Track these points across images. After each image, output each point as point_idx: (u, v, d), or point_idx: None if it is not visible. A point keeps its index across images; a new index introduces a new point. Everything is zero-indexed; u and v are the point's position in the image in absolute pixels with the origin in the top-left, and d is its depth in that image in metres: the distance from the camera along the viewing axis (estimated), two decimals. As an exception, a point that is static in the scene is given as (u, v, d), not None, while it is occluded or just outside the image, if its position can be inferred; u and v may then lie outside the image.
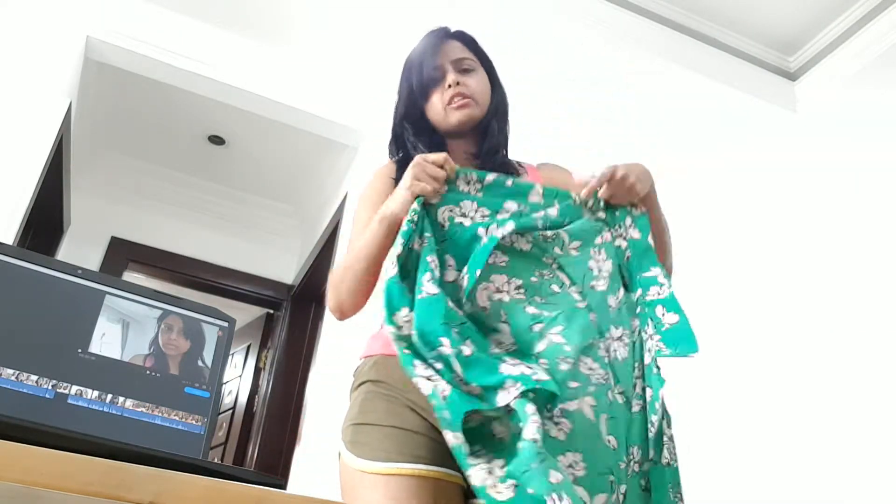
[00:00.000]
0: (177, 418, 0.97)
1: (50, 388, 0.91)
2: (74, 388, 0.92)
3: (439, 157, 1.12)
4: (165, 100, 3.46)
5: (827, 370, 2.88)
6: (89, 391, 0.93)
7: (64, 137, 2.80)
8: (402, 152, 1.36)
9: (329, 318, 2.74)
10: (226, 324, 1.08)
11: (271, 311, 4.41)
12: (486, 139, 1.35)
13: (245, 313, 4.49)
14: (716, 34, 3.62)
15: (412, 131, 1.35)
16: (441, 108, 1.32)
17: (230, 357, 4.48)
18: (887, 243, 2.89)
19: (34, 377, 0.90)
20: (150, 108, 3.63)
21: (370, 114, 2.91)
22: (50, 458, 0.57)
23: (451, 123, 1.32)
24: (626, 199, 1.16)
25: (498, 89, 1.41)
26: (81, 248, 3.84)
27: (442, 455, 0.99)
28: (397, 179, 1.24)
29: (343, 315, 1.25)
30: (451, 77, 1.32)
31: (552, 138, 2.49)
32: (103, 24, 2.77)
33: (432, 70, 1.33)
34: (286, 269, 4.35)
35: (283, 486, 0.87)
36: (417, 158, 1.12)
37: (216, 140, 3.92)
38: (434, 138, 1.35)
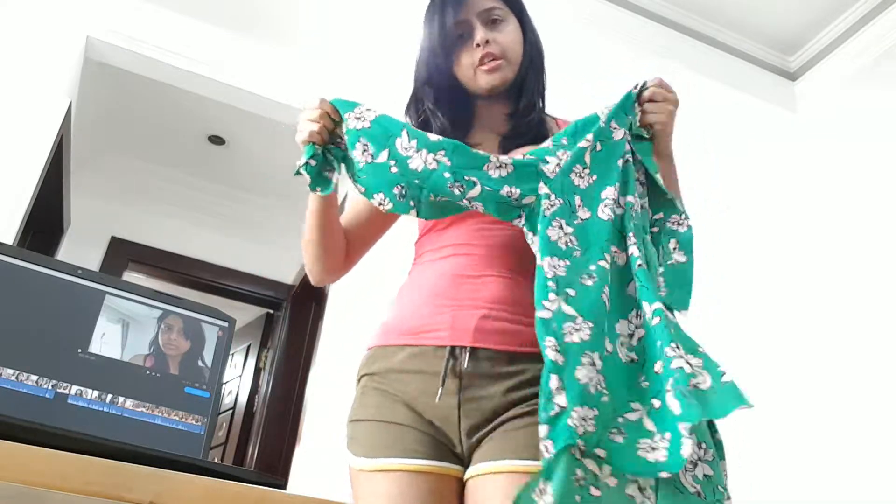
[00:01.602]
0: (177, 418, 0.97)
1: (50, 388, 0.91)
2: (74, 388, 0.92)
3: (312, 103, 1.06)
4: (165, 100, 3.46)
5: (827, 371, 2.88)
6: (89, 391, 0.93)
7: (64, 137, 2.80)
8: (421, 118, 1.23)
9: (329, 318, 2.74)
10: (226, 324, 1.08)
11: (271, 311, 4.42)
12: (521, 97, 1.20)
13: (245, 313, 4.49)
14: (716, 34, 3.62)
15: (433, 97, 1.21)
16: (470, 70, 1.17)
17: (230, 357, 4.48)
18: (887, 243, 2.89)
19: (34, 377, 0.90)
20: (150, 108, 3.63)
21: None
22: (50, 458, 0.57)
23: (482, 87, 1.18)
24: (655, 118, 1.05)
25: (530, 36, 1.25)
26: (81, 248, 3.84)
27: (435, 448, 0.96)
28: None
29: (317, 280, 1.21)
30: (479, 35, 1.16)
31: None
32: (103, 24, 2.77)
33: (456, 26, 1.18)
34: (286, 269, 4.35)
35: (283, 486, 0.87)
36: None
37: (216, 140, 3.92)
38: (460, 101, 1.21)
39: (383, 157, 1.01)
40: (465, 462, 0.97)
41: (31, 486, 0.54)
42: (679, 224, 1.06)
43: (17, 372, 0.89)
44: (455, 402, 0.96)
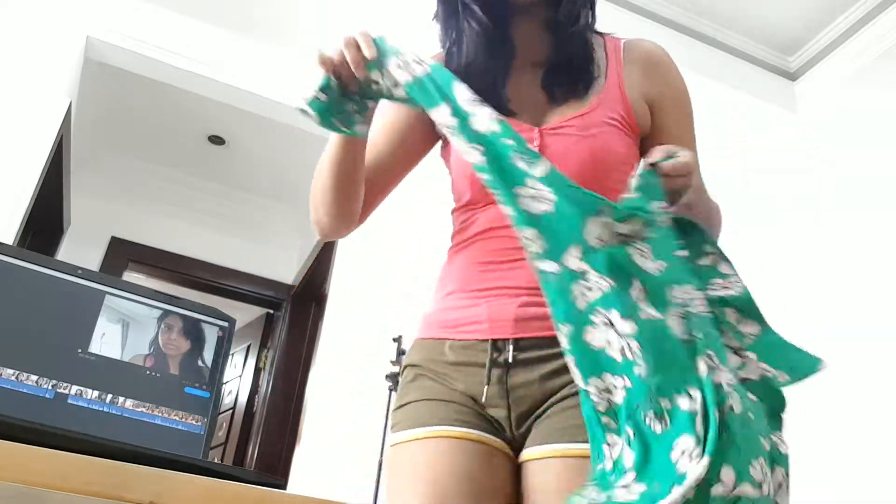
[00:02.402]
0: (177, 418, 0.97)
1: (50, 388, 0.91)
2: (74, 388, 0.92)
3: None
4: (165, 100, 3.46)
5: (828, 370, 2.88)
6: (89, 391, 0.93)
7: (64, 137, 2.80)
8: (453, 32, 1.03)
9: (329, 318, 2.74)
10: (226, 324, 1.08)
11: (271, 311, 4.42)
12: (560, 3, 1.00)
13: (245, 313, 4.49)
14: (716, 34, 3.62)
15: (465, 9, 1.01)
16: None
17: (230, 357, 4.48)
18: (887, 243, 2.89)
19: (34, 377, 0.90)
20: (150, 108, 3.63)
21: (370, 114, 2.91)
22: (50, 458, 0.57)
23: None
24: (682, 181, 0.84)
25: None
26: (81, 248, 3.84)
27: (483, 421, 0.90)
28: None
29: (325, 232, 1.07)
30: None
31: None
32: (103, 24, 2.77)
33: None
34: (286, 269, 4.35)
35: (283, 486, 0.87)
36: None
37: (216, 140, 3.92)
38: (496, 10, 1.00)
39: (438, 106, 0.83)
40: (515, 446, 0.91)
41: (31, 486, 0.54)
42: (729, 289, 0.85)
43: (17, 372, 0.89)
44: (504, 392, 0.90)
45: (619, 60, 1.04)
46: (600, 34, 1.09)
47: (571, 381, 0.84)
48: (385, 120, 1.07)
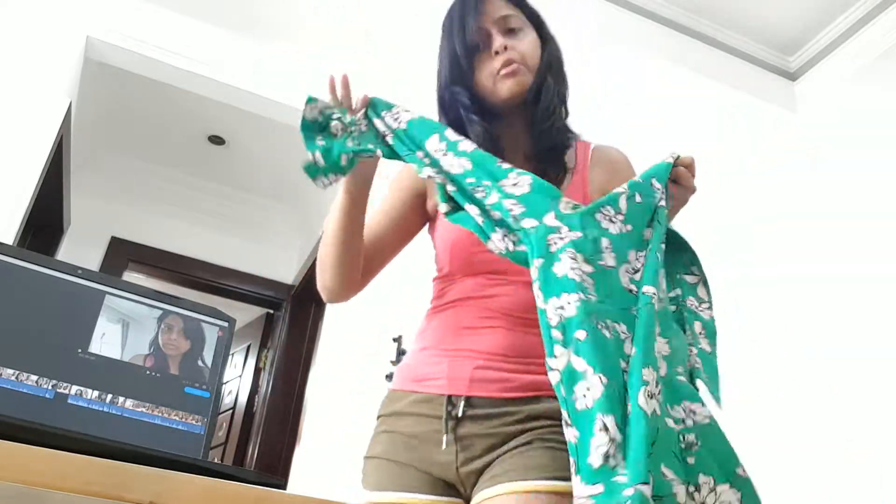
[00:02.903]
0: (177, 418, 0.97)
1: (50, 388, 0.91)
2: (74, 388, 0.92)
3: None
4: (165, 100, 3.46)
5: (828, 370, 2.88)
6: (89, 391, 0.93)
7: (64, 137, 2.80)
8: (453, 123, 1.19)
9: (329, 318, 2.74)
10: (226, 324, 1.08)
11: (271, 311, 4.42)
12: (538, 102, 1.16)
13: (245, 313, 4.50)
14: (716, 34, 3.62)
15: (457, 116, 1.17)
16: (490, 80, 1.15)
17: (230, 357, 4.48)
18: (888, 242, 2.89)
19: (34, 377, 0.90)
20: (150, 108, 3.63)
21: (370, 114, 2.90)
22: (50, 458, 0.57)
23: (502, 95, 1.15)
24: (679, 194, 1.09)
25: (549, 44, 1.22)
26: (81, 248, 3.84)
27: (434, 485, 1.03)
28: None
29: (329, 297, 1.21)
30: (497, 42, 1.15)
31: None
32: (103, 24, 2.77)
33: (475, 33, 1.15)
34: (286, 269, 4.35)
35: (283, 486, 0.87)
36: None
37: (216, 140, 3.92)
38: (486, 108, 1.17)
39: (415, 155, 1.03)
40: (466, 497, 1.03)
41: (31, 486, 0.54)
42: (700, 310, 0.97)
43: (17, 372, 0.89)
44: (453, 439, 1.03)
45: (587, 162, 1.22)
46: (574, 136, 1.25)
47: (519, 433, 1.00)
48: (385, 205, 1.24)
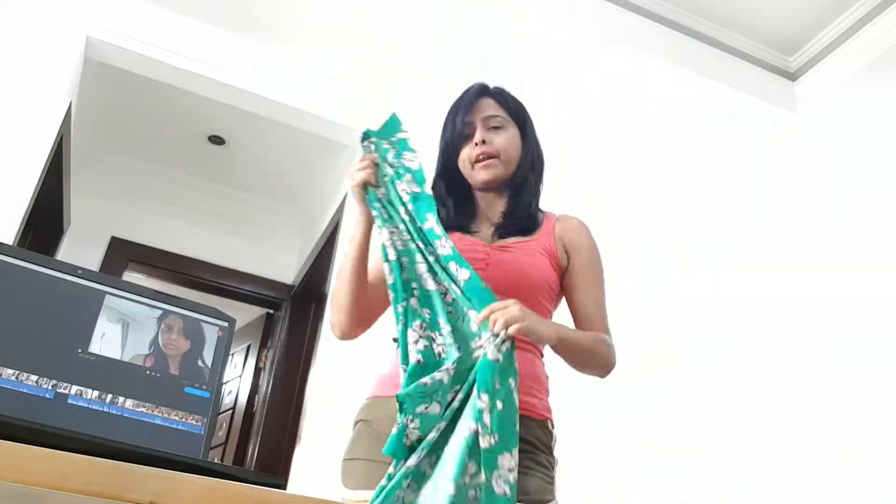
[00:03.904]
0: (177, 418, 0.97)
1: (50, 388, 0.91)
2: (74, 388, 0.92)
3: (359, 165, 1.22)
4: (165, 100, 3.46)
5: (828, 372, 2.88)
6: (89, 391, 0.93)
7: (64, 137, 2.79)
8: (441, 199, 1.41)
9: (329, 318, 2.74)
10: (226, 324, 1.08)
11: (271, 311, 4.41)
12: (519, 196, 1.39)
13: (245, 313, 4.49)
14: (716, 34, 3.62)
15: (444, 189, 1.41)
16: (468, 165, 1.38)
17: (230, 357, 4.47)
18: (887, 242, 2.89)
19: (34, 377, 0.90)
20: (150, 108, 3.63)
21: (370, 114, 2.90)
22: (50, 458, 0.57)
23: (477, 181, 1.38)
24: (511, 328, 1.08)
25: (531, 144, 1.43)
26: (81, 248, 3.84)
27: None
28: None
29: (342, 334, 1.34)
30: (478, 135, 1.37)
31: (550, 139, 2.49)
32: (103, 24, 2.77)
33: (462, 126, 1.39)
34: (286, 269, 4.34)
35: (283, 486, 0.87)
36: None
37: (216, 140, 3.91)
38: (466, 193, 1.41)
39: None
40: None
41: (31, 486, 0.54)
42: (444, 249, 1.12)
43: (17, 372, 0.89)
44: None
45: (552, 225, 1.40)
46: (542, 211, 1.44)
47: None
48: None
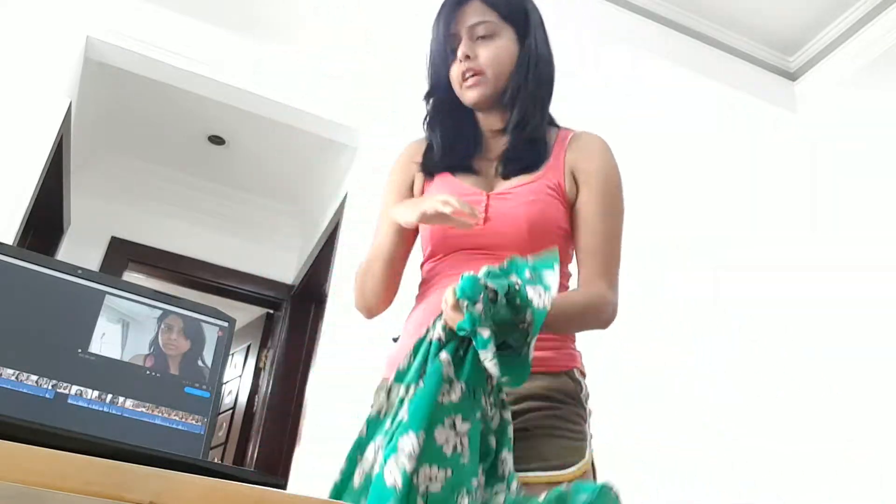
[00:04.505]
0: (177, 418, 0.97)
1: (50, 388, 0.91)
2: (74, 388, 0.92)
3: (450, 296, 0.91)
4: (165, 100, 3.46)
5: (828, 372, 2.88)
6: (89, 391, 0.93)
7: (64, 137, 2.79)
8: (438, 126, 1.27)
9: (329, 318, 2.74)
10: (226, 324, 1.08)
11: (271, 311, 4.41)
12: (520, 122, 1.20)
13: (245, 313, 4.49)
14: (716, 34, 3.62)
15: (435, 108, 1.26)
16: (457, 83, 1.22)
17: (230, 357, 4.48)
18: (888, 243, 2.89)
19: (34, 377, 0.90)
20: (150, 108, 3.63)
21: (370, 114, 2.91)
22: (50, 458, 0.57)
23: (467, 102, 1.22)
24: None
25: (530, 49, 1.22)
26: (81, 248, 3.84)
27: None
28: (424, 162, 1.25)
29: (370, 313, 1.26)
30: (461, 50, 1.19)
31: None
32: (103, 24, 2.77)
33: (445, 39, 1.21)
34: (286, 269, 4.34)
35: (283, 486, 0.87)
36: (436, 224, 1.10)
37: (216, 140, 3.92)
38: (461, 113, 1.24)
39: None
40: None
41: (31, 486, 0.54)
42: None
43: (17, 372, 0.89)
44: None
45: (564, 148, 1.23)
46: (557, 127, 1.28)
47: (520, 413, 1.01)
48: (386, 215, 1.25)
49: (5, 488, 0.53)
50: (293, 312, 4.16)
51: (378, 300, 1.23)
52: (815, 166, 3.34)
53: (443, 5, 1.23)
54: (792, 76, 3.71)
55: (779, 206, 3.29)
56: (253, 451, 3.80)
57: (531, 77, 1.22)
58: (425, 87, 1.30)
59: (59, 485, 0.55)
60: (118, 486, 0.57)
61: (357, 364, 2.41)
